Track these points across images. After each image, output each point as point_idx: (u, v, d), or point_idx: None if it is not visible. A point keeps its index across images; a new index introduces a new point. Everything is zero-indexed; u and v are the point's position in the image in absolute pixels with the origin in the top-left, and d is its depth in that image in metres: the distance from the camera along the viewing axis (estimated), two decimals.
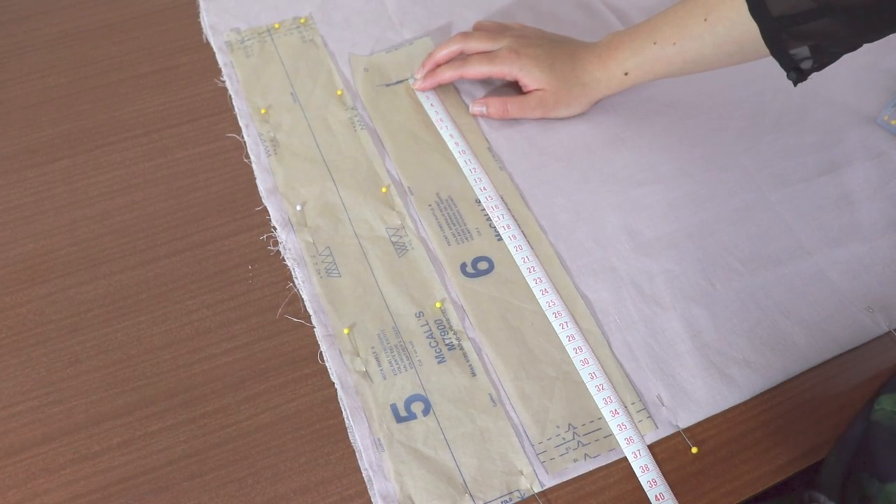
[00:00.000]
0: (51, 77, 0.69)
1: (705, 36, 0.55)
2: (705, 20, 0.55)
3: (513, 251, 0.57)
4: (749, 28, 0.52)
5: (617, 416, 0.49)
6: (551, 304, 0.54)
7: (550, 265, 0.56)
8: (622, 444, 0.48)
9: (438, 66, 0.66)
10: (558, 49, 0.63)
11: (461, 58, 0.66)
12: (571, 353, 0.52)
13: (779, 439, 0.49)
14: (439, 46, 0.66)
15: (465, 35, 0.66)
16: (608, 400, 0.50)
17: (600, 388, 0.50)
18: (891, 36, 0.51)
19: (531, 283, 0.55)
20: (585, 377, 0.51)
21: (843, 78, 0.67)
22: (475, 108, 0.65)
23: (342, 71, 0.68)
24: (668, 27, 0.57)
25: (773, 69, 0.53)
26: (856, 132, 0.64)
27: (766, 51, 0.53)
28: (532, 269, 0.56)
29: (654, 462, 0.48)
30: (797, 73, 0.52)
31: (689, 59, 0.58)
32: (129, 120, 0.66)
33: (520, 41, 0.64)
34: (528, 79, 0.63)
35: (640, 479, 0.47)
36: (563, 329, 0.53)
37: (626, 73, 0.61)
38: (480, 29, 0.68)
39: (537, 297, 0.54)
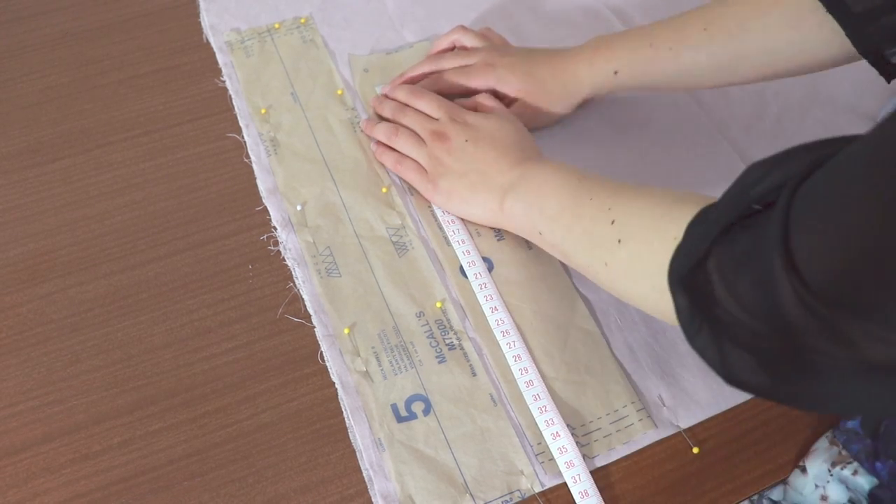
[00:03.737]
0: (51, 77, 0.69)
1: (703, 45, 0.55)
2: (705, 29, 0.54)
3: (465, 266, 0.55)
4: (747, 43, 0.52)
5: (558, 438, 0.48)
6: (500, 322, 0.53)
7: (550, 265, 0.56)
8: (562, 467, 0.47)
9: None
10: (537, 54, 0.62)
11: (436, 75, 0.63)
12: (517, 373, 0.51)
13: (779, 439, 0.49)
14: (412, 67, 0.65)
15: (438, 56, 0.64)
16: (550, 422, 0.49)
17: (543, 409, 0.49)
18: None
19: (481, 300, 0.54)
20: (529, 399, 0.50)
21: (842, 78, 0.66)
22: None
23: (342, 71, 0.68)
24: (666, 31, 0.57)
25: None
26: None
27: (757, 73, 0.53)
28: (483, 286, 0.54)
29: (595, 488, 0.46)
30: (890, 69, 0.49)
31: (683, 68, 0.56)
32: (129, 120, 0.66)
33: (493, 53, 0.62)
34: (506, 88, 0.61)
35: None
36: (511, 349, 0.52)
37: (615, 72, 0.58)
38: (462, 35, 0.65)
39: (486, 314, 0.53)
